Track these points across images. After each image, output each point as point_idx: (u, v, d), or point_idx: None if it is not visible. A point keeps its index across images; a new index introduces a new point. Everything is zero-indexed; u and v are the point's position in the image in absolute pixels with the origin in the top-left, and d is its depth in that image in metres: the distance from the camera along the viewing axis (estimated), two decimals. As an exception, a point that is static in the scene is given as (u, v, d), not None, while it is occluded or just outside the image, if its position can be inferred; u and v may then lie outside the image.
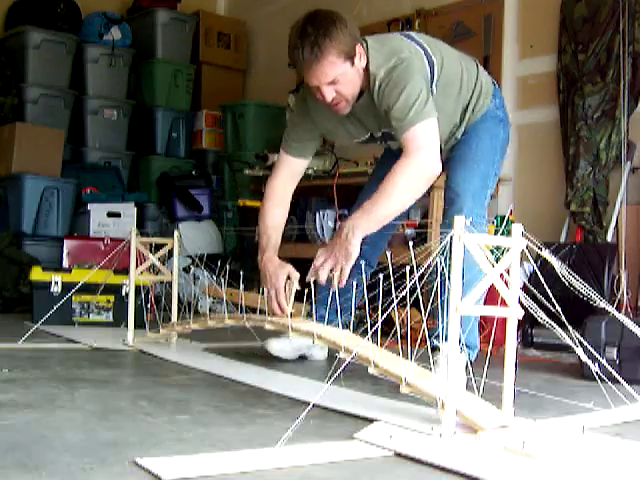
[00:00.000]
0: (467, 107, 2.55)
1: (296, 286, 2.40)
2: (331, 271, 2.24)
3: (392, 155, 2.54)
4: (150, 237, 3.42)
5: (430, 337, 2.11)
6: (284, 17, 5.93)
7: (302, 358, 2.85)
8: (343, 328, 2.09)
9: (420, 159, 2.26)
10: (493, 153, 2.56)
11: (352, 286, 2.06)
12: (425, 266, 1.80)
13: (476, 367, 2.11)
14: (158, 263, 3.08)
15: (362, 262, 2.21)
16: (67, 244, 4.59)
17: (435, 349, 2.29)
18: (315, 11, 2.33)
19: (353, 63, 2.31)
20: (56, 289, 3.64)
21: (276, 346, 2.74)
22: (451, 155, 2.58)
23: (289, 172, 2.63)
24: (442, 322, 2.25)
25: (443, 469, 1.43)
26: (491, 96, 2.59)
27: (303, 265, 2.45)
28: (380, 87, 2.34)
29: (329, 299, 2.26)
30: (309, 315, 2.41)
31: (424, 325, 1.85)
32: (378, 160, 2.98)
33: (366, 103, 2.42)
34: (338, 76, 2.30)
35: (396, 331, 2.08)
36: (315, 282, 2.27)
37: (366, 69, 2.36)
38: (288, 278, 2.43)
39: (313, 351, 2.85)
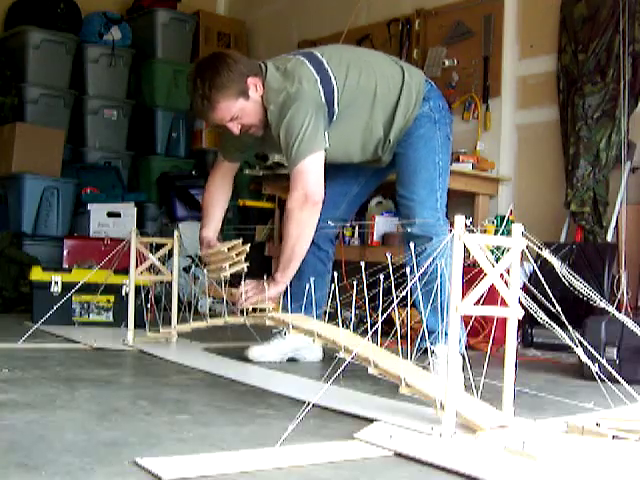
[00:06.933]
0: (393, 117, 2.56)
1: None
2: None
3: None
4: (150, 237, 3.41)
5: (421, 339, 2.15)
6: (284, 17, 5.95)
7: (295, 360, 2.84)
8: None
9: (300, 201, 2.41)
10: (432, 157, 2.58)
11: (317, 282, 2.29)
12: (425, 266, 1.81)
13: (476, 367, 2.11)
14: (158, 263, 3.08)
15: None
16: (67, 244, 4.59)
17: (426, 350, 2.32)
18: (201, 60, 2.58)
19: (248, 97, 2.49)
20: (56, 289, 3.64)
21: (255, 353, 2.77)
22: (396, 167, 2.66)
23: (224, 170, 2.86)
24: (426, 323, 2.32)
25: (443, 469, 1.43)
26: (423, 101, 2.59)
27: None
28: (272, 123, 2.49)
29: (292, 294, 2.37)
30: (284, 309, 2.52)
31: (418, 326, 1.85)
32: None
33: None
34: (235, 113, 2.50)
35: (396, 331, 2.08)
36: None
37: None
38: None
39: (303, 353, 2.84)
